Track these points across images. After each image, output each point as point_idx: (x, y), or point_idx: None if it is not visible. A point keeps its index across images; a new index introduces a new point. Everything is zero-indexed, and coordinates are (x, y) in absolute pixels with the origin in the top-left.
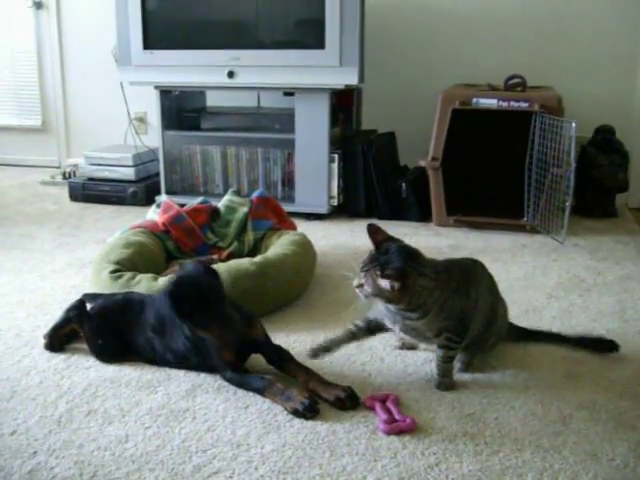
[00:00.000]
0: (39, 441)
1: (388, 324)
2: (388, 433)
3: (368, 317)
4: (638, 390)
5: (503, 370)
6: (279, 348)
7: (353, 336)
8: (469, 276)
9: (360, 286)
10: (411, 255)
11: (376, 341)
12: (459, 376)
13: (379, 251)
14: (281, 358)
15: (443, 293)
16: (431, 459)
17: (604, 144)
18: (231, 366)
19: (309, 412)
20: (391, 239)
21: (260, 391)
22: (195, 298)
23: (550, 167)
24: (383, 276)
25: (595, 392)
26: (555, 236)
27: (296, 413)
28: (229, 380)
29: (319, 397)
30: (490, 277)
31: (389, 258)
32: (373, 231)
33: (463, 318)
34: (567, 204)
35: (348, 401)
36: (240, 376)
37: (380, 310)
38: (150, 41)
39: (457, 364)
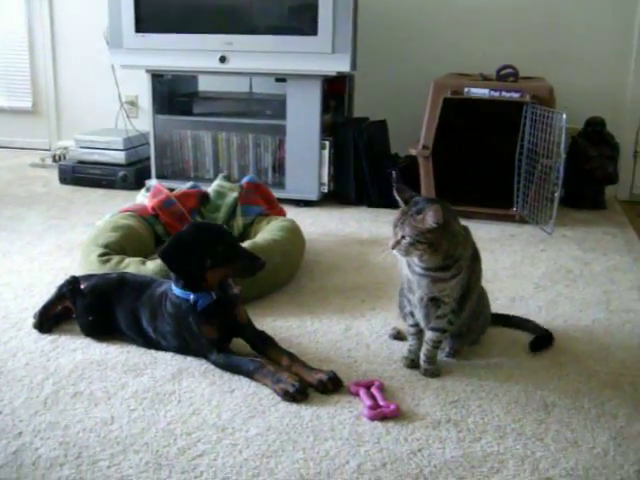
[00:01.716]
0: (24, 422)
1: (408, 294)
2: (372, 419)
3: (405, 312)
4: (621, 379)
5: (488, 358)
6: (262, 333)
7: (420, 332)
8: (476, 249)
9: (397, 243)
10: (441, 201)
11: (362, 327)
12: (444, 364)
13: (409, 205)
14: (265, 343)
15: (468, 250)
16: (414, 445)
17: (594, 136)
18: (215, 344)
19: (299, 394)
20: (417, 195)
21: (250, 373)
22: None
23: (540, 158)
24: (426, 210)
25: (578, 381)
26: (544, 227)
27: (286, 395)
28: (216, 363)
29: (302, 381)
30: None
31: (421, 205)
32: (400, 190)
33: (464, 295)
34: (556, 195)
35: (330, 384)
36: (228, 358)
37: (405, 277)
38: (142, 24)
39: (445, 349)
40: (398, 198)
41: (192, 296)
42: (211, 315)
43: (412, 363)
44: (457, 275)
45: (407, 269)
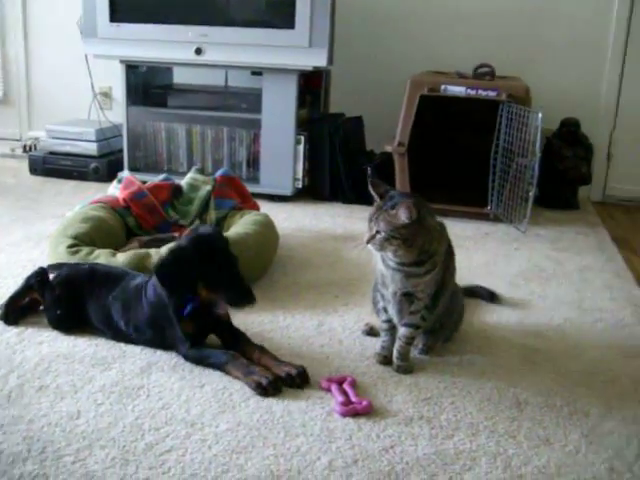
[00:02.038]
0: None
1: (382, 289)
2: (344, 415)
3: (378, 308)
4: (593, 378)
5: (461, 355)
6: (236, 330)
7: (393, 328)
8: (451, 246)
9: (372, 238)
10: (416, 196)
11: (335, 323)
12: (417, 361)
13: (384, 199)
14: (237, 339)
15: (443, 246)
16: (386, 441)
17: (569, 136)
18: (191, 339)
19: (272, 387)
20: (392, 190)
21: (222, 365)
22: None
23: (515, 157)
24: (399, 206)
25: (551, 379)
26: (517, 225)
27: (258, 387)
28: (187, 357)
29: (269, 366)
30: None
31: (396, 200)
32: (375, 185)
33: (437, 291)
34: (530, 194)
35: (298, 379)
36: (200, 351)
37: (379, 272)
38: (117, 14)
39: (418, 346)
40: (373, 193)
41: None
42: (193, 314)
43: (385, 359)
44: (431, 270)
45: (381, 263)
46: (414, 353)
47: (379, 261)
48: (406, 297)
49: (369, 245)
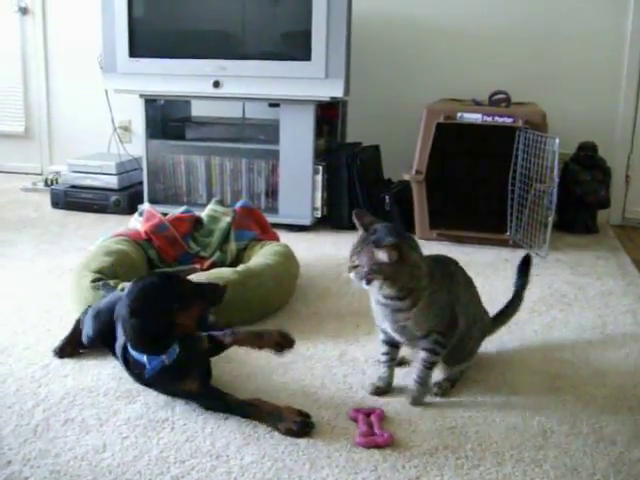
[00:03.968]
0: (14, 450)
1: (380, 323)
2: (362, 446)
3: (381, 333)
4: (619, 404)
5: (484, 384)
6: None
7: (392, 360)
8: (448, 272)
9: (354, 268)
10: (400, 232)
11: (358, 353)
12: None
13: (368, 232)
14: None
15: (431, 283)
16: (412, 472)
17: (586, 160)
18: (196, 393)
19: (303, 431)
20: (377, 222)
21: (246, 417)
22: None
23: (533, 182)
24: (380, 247)
25: (576, 406)
26: (537, 251)
27: (291, 433)
28: (210, 409)
29: (252, 347)
30: (465, 276)
31: (380, 234)
32: (360, 215)
33: (450, 317)
34: (549, 219)
35: (283, 340)
36: (217, 402)
37: (374, 311)
38: (136, 49)
39: (434, 389)
40: (357, 223)
41: (145, 357)
42: (184, 370)
43: (377, 390)
44: (415, 304)
45: (374, 302)
46: (457, 384)
47: (372, 297)
48: (404, 330)
49: (351, 274)
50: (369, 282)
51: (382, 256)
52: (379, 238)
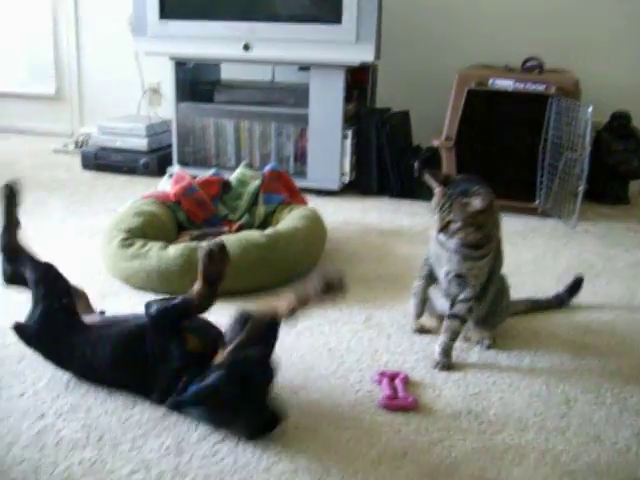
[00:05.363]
0: (47, 404)
1: (437, 269)
2: (387, 408)
3: (424, 272)
4: None
5: (509, 351)
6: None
7: (424, 291)
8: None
9: (446, 226)
10: (479, 180)
11: (384, 317)
12: (465, 356)
13: (449, 187)
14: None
15: (500, 232)
16: (435, 435)
17: (619, 130)
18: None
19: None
20: (450, 176)
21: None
22: None
23: (564, 151)
24: (473, 196)
25: (601, 376)
26: (566, 221)
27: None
28: None
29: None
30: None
31: (466, 185)
32: (433, 174)
33: (487, 280)
34: (580, 189)
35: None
36: None
37: (433, 252)
38: (166, 11)
39: (484, 342)
40: (432, 181)
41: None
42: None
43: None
44: (486, 255)
45: (436, 245)
46: (480, 351)
47: (435, 243)
48: (457, 279)
49: (440, 235)
50: (458, 235)
51: (477, 204)
52: (467, 188)
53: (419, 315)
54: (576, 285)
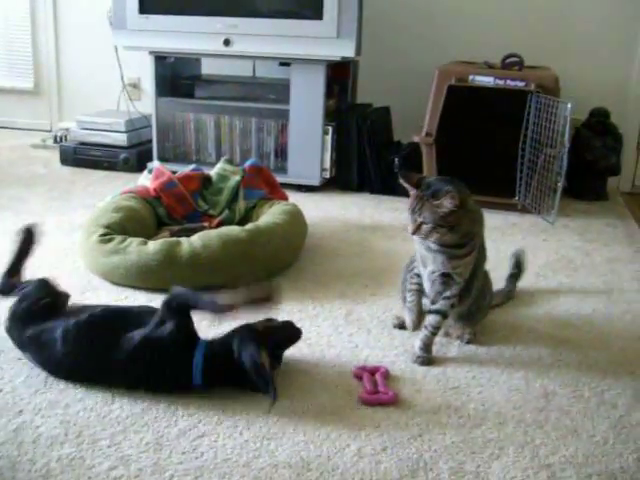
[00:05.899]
0: (25, 400)
1: (421, 269)
2: (367, 403)
3: (414, 286)
4: (620, 369)
5: (489, 345)
6: None
7: (419, 293)
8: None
9: (417, 228)
10: (451, 179)
11: (364, 313)
12: (445, 350)
13: (421, 189)
14: None
15: (482, 227)
16: (414, 430)
17: (598, 126)
18: None
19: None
20: (424, 178)
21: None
22: None
23: (544, 147)
24: (441, 197)
25: (579, 370)
26: (546, 216)
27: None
28: None
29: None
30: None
31: (436, 186)
32: (406, 176)
33: (472, 275)
34: (559, 185)
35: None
36: None
37: (418, 254)
38: (146, 5)
39: (464, 336)
40: (406, 184)
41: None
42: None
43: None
44: (471, 252)
45: (421, 246)
46: (460, 345)
47: (419, 243)
48: (443, 277)
49: (414, 236)
50: (432, 236)
51: (446, 204)
52: (437, 189)
53: (415, 329)
54: (518, 264)
